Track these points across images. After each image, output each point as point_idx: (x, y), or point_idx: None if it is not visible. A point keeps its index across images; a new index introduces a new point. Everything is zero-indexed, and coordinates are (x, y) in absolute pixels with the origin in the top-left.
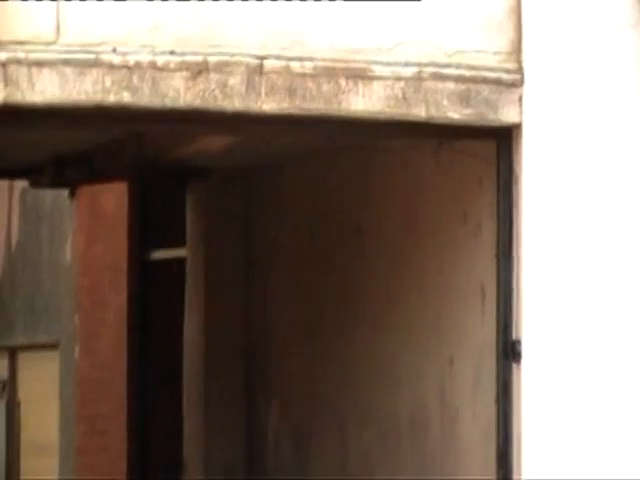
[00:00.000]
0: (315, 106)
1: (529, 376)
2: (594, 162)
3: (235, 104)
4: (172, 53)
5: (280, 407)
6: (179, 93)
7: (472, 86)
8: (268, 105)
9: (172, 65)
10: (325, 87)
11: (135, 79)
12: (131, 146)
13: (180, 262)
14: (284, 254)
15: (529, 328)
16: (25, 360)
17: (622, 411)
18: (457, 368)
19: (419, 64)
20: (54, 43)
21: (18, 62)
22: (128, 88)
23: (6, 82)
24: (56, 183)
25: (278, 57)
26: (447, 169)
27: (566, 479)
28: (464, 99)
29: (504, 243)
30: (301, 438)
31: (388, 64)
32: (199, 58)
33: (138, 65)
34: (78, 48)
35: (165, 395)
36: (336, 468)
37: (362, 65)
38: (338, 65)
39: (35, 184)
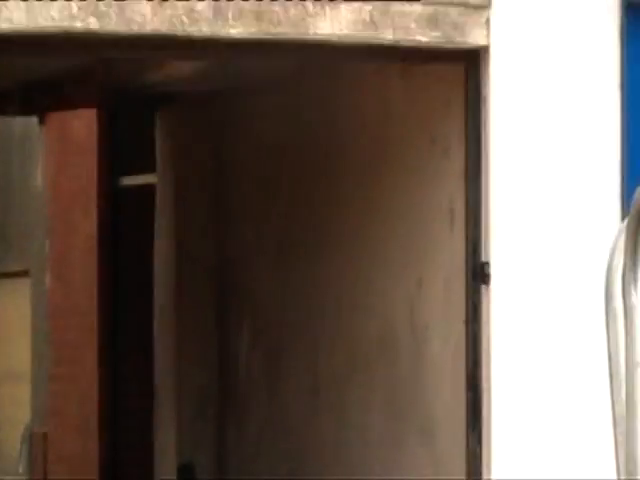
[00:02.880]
0: (283, 30)
1: (498, 297)
2: (562, 83)
3: (202, 29)
4: None
5: (252, 331)
6: (146, 19)
7: (439, 9)
8: (236, 30)
9: None
10: (292, 11)
11: (102, 5)
12: (99, 72)
13: (150, 188)
14: (254, 179)
15: (498, 249)
16: None
17: (591, 331)
18: (426, 289)
19: None
20: None
21: None
22: (95, 14)
23: None
24: (25, 110)
25: None
26: (415, 93)
27: (535, 399)
28: (431, 22)
29: (473, 165)
30: (273, 362)
31: None
32: None
33: None
34: None
35: (136, 322)
36: (308, 391)
37: None
38: None
39: (3, 111)
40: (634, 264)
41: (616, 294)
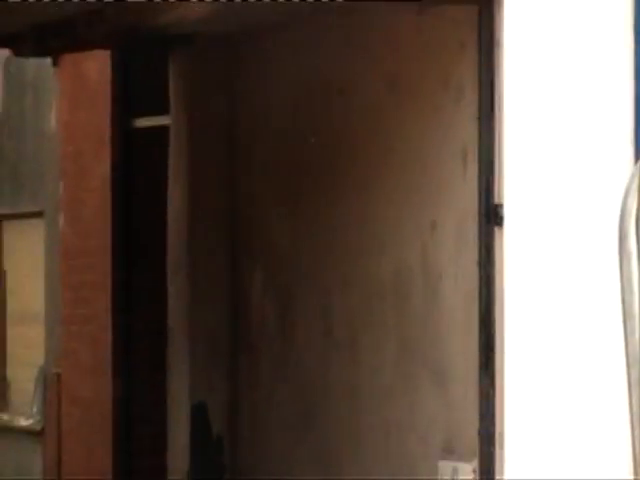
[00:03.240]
0: None
1: (511, 240)
2: (576, 27)
3: None
4: None
5: (264, 273)
6: None
7: None
8: None
9: None
10: None
11: None
12: (112, 13)
13: (164, 130)
14: (269, 120)
15: (511, 192)
16: (10, 229)
17: (605, 271)
18: (439, 232)
19: None
20: None
21: None
22: None
23: None
24: (39, 51)
25: None
26: (429, 33)
27: (548, 340)
28: None
29: (486, 106)
30: (285, 304)
31: None
32: None
33: None
34: None
35: (149, 263)
36: (320, 334)
37: None
38: None
39: (18, 53)
40: None
41: (630, 235)
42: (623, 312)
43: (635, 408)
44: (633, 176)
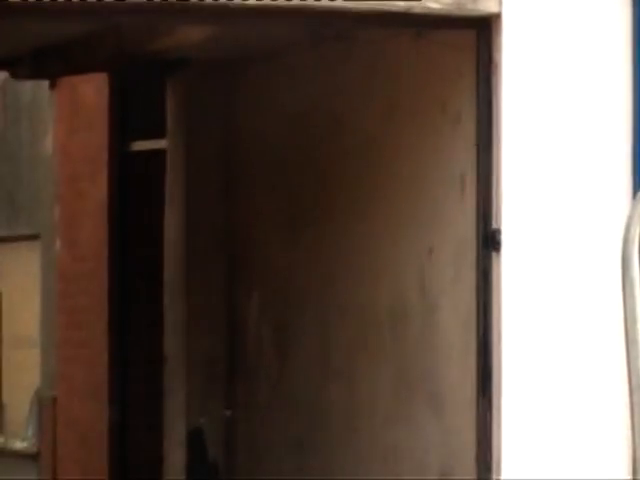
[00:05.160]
0: None
1: (509, 265)
2: (573, 50)
3: None
4: None
5: (261, 300)
6: None
7: None
8: None
9: None
10: None
11: None
12: (110, 38)
13: (161, 153)
14: (265, 146)
15: (509, 217)
16: (6, 252)
17: (604, 298)
18: (436, 258)
19: None
20: None
21: None
22: None
23: None
24: (36, 74)
25: None
26: (426, 59)
27: (546, 366)
28: None
29: (484, 132)
30: (282, 331)
31: None
32: None
33: None
34: None
35: (146, 288)
36: (318, 362)
37: None
38: None
39: (15, 75)
40: None
41: (633, 263)
42: (626, 338)
43: (638, 433)
44: (636, 204)
